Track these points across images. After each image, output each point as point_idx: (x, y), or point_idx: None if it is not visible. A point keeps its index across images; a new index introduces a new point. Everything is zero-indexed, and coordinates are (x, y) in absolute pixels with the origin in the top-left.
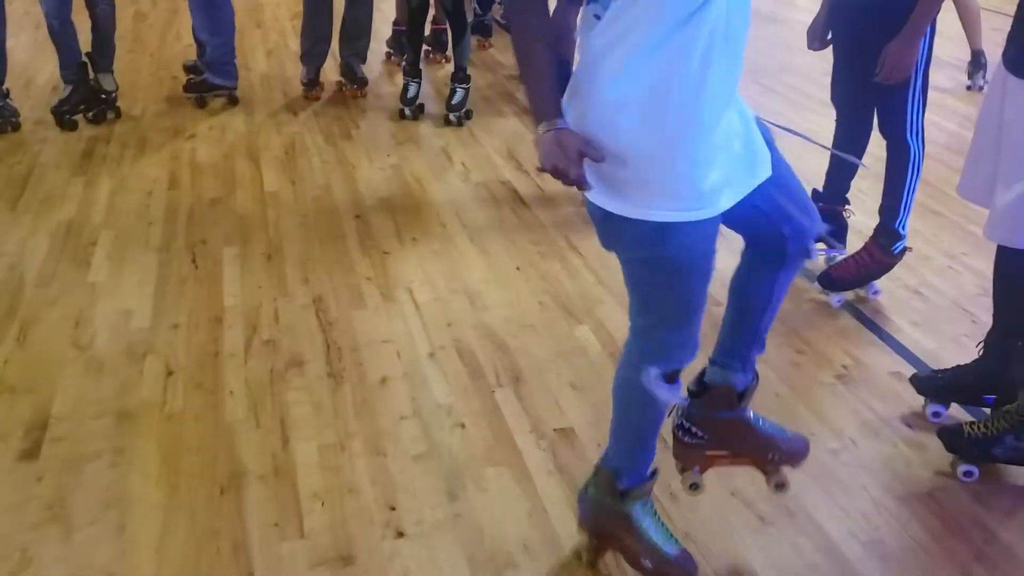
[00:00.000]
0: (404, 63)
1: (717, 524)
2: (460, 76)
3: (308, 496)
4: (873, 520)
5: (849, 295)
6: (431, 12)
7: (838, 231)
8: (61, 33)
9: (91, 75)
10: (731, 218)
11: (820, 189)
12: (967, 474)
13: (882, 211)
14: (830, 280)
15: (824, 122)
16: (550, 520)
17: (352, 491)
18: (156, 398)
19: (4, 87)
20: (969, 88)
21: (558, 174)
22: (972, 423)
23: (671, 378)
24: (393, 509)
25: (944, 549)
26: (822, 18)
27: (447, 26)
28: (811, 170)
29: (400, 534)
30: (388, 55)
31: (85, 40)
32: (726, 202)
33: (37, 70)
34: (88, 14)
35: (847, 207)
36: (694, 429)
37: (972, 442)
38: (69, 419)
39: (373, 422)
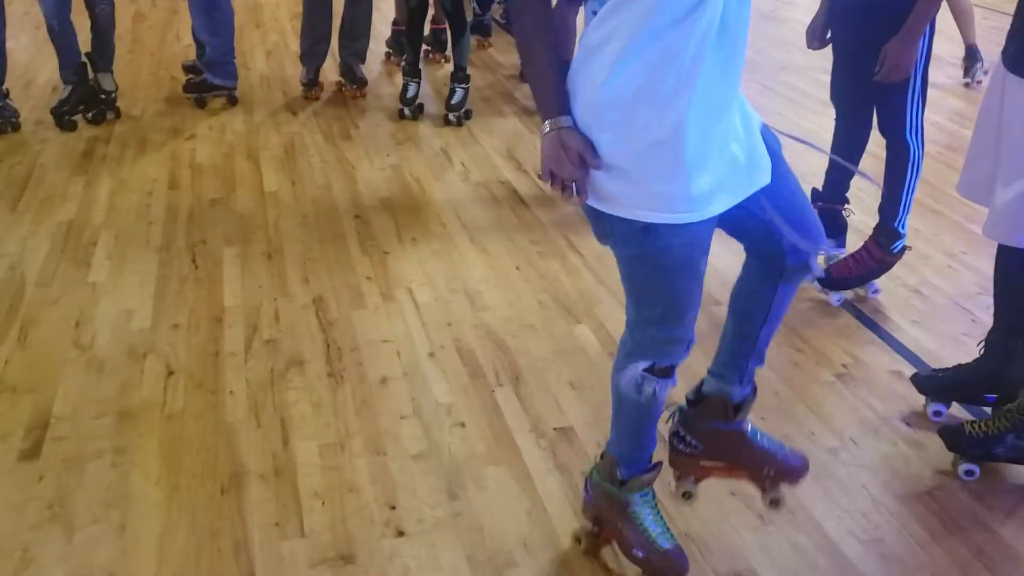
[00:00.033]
0: (403, 63)
1: (717, 523)
2: (459, 76)
3: (308, 495)
4: (873, 519)
5: (849, 294)
6: (430, 12)
7: (838, 230)
8: (61, 33)
9: (91, 75)
10: (729, 224)
11: (820, 188)
12: (968, 473)
13: (882, 210)
14: (830, 279)
15: (824, 121)
16: (550, 519)
17: (352, 490)
18: (157, 398)
19: (4, 87)
20: (967, 84)
21: (555, 180)
22: (973, 422)
23: (665, 373)
24: (393, 508)
25: (944, 548)
26: (821, 17)
27: (446, 26)
28: (811, 169)
29: (400, 533)
30: (387, 55)
31: (85, 40)
32: (718, 207)
33: (37, 70)
34: (88, 14)
35: (847, 206)
36: (688, 438)
37: (973, 441)
38: (70, 419)
39: (373, 422)
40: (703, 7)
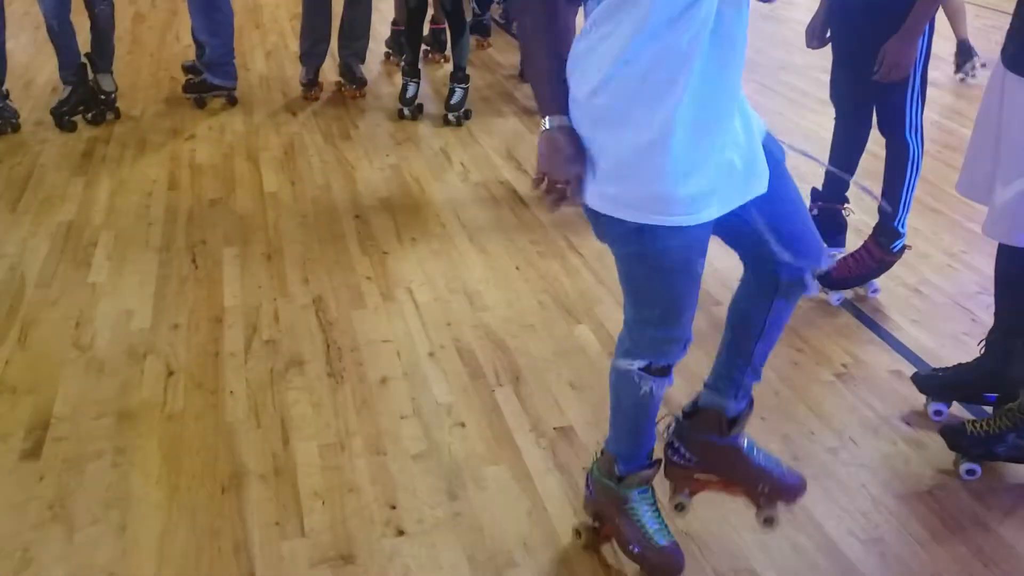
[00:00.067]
0: (403, 63)
1: (717, 522)
2: (459, 76)
3: (308, 495)
4: (873, 518)
5: (848, 293)
6: (430, 12)
7: (837, 229)
8: (60, 34)
9: (90, 76)
10: (724, 232)
11: (819, 188)
12: (970, 472)
13: (881, 209)
14: (829, 279)
15: (823, 120)
16: (550, 518)
17: (352, 490)
18: (157, 398)
19: (4, 88)
20: (963, 80)
21: (544, 180)
22: (974, 421)
23: (662, 372)
24: (393, 508)
25: (944, 547)
26: (821, 16)
27: (446, 26)
28: (811, 169)
29: (400, 533)
30: (387, 55)
31: (84, 41)
32: (711, 212)
33: (37, 71)
34: (87, 15)
35: (846, 206)
36: (683, 450)
37: (974, 440)
38: (70, 419)
39: (373, 421)
40: (697, 6)
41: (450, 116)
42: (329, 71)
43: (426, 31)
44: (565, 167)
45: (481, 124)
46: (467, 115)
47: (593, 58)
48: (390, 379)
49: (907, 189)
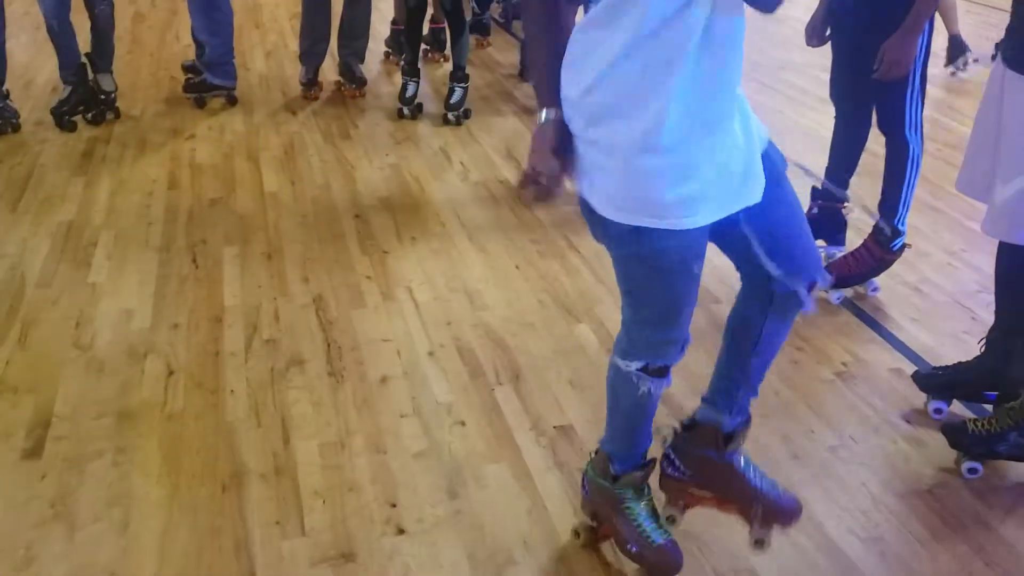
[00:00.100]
0: (402, 62)
1: (716, 522)
2: (458, 75)
3: (309, 494)
4: (873, 517)
5: (848, 292)
6: (429, 11)
7: (837, 228)
8: (60, 34)
9: (90, 76)
10: (720, 240)
11: (819, 187)
12: (971, 471)
13: (881, 207)
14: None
15: (823, 119)
16: (550, 517)
17: (353, 489)
18: (157, 398)
19: (4, 88)
20: (953, 74)
21: (531, 173)
22: (976, 420)
23: (660, 373)
24: (394, 506)
25: (944, 546)
26: (821, 14)
27: (445, 25)
28: (810, 166)
29: (401, 531)
30: (387, 54)
31: (84, 41)
32: (705, 217)
33: (37, 71)
34: (87, 15)
35: (846, 204)
36: (677, 463)
37: (976, 439)
38: (71, 419)
39: (373, 420)
40: (691, 7)
41: (450, 115)
42: (329, 70)
43: (426, 30)
44: (549, 159)
45: (481, 123)
46: (467, 114)
47: (590, 58)
48: (390, 378)
49: (907, 187)
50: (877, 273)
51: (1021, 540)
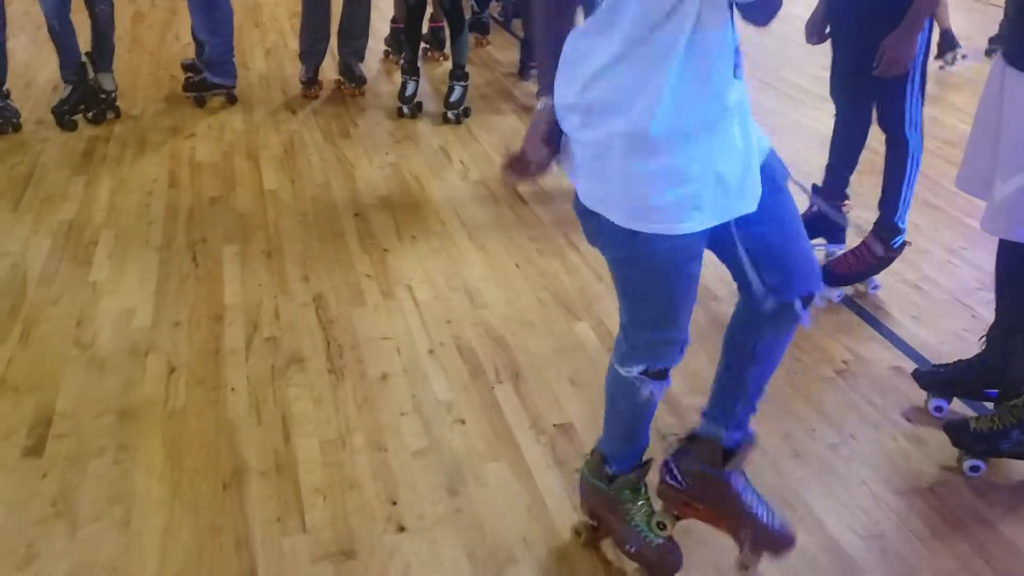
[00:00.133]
0: (402, 61)
1: None
2: (458, 74)
3: (310, 491)
4: (873, 515)
5: (848, 290)
6: (429, 10)
7: (837, 226)
8: (61, 33)
9: (91, 75)
10: (716, 248)
11: (819, 184)
12: (973, 469)
13: (881, 205)
14: (829, 275)
15: (823, 117)
16: (550, 514)
17: (353, 486)
18: (158, 395)
19: (5, 88)
20: (941, 67)
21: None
22: (978, 418)
23: (660, 375)
24: (394, 504)
25: (944, 544)
26: (821, 12)
27: (445, 24)
28: (810, 165)
29: (401, 529)
30: (386, 53)
31: (85, 40)
32: (696, 223)
33: (37, 70)
34: (88, 14)
35: (846, 202)
36: (676, 473)
37: (978, 437)
38: (72, 417)
39: (374, 418)
40: (678, 11)
41: (449, 114)
42: (328, 69)
43: (425, 29)
44: (539, 147)
45: (480, 122)
46: (466, 113)
47: (582, 63)
48: (390, 376)
49: (907, 185)
50: (877, 271)
51: (1022, 538)
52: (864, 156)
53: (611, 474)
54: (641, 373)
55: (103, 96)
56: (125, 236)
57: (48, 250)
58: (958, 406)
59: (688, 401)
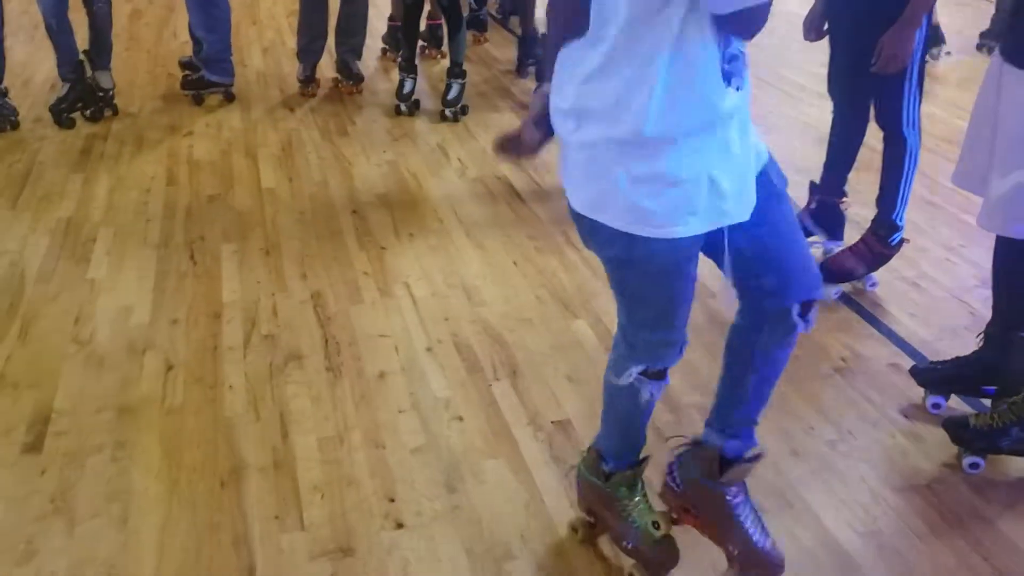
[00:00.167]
0: (400, 59)
1: None
2: (456, 71)
3: (308, 488)
4: (871, 511)
5: (847, 287)
6: (427, 7)
7: (836, 223)
8: (59, 31)
9: (89, 73)
10: (712, 253)
11: (817, 182)
12: (973, 466)
13: (879, 202)
14: (827, 272)
15: (822, 115)
16: (547, 511)
17: (351, 483)
18: (156, 393)
19: (3, 86)
20: (925, 62)
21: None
22: (978, 415)
23: (658, 375)
24: (392, 501)
25: (943, 540)
26: (818, 8)
27: (442, 21)
28: (809, 162)
29: (399, 525)
30: (384, 51)
31: (82, 38)
32: (689, 228)
33: (35, 69)
34: (85, 12)
35: (844, 199)
36: (677, 477)
37: (978, 434)
38: (71, 414)
39: (372, 415)
40: (663, 16)
41: (447, 112)
42: (326, 67)
43: (423, 27)
44: (532, 130)
45: (478, 119)
46: (464, 111)
47: (576, 68)
48: (388, 373)
49: (905, 182)
50: (875, 268)
51: (1019, 535)
52: (862, 153)
53: (608, 471)
54: (640, 374)
55: (101, 94)
56: (123, 234)
57: (46, 248)
58: (956, 403)
59: (686, 399)
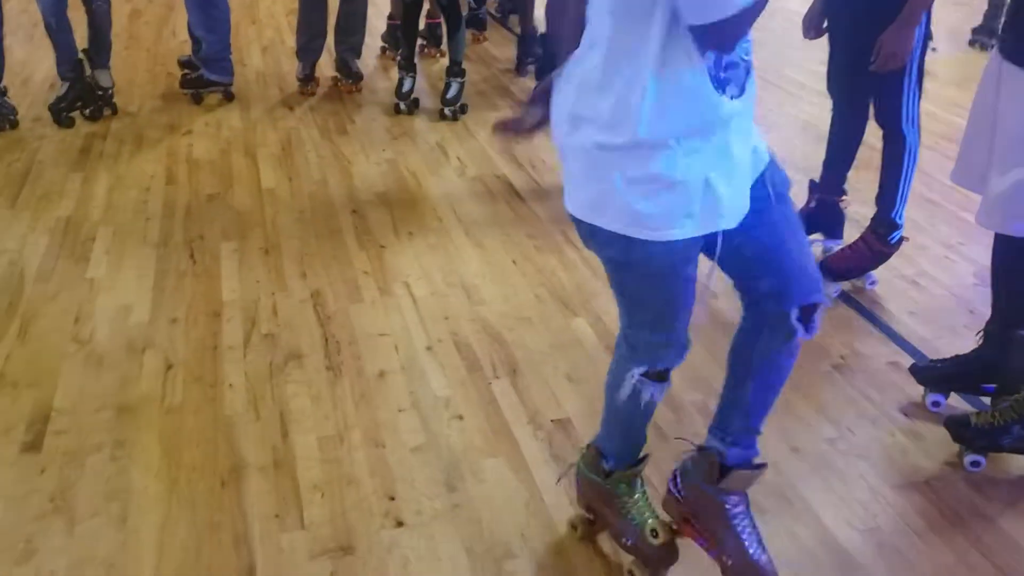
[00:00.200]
0: (399, 58)
1: None
2: (455, 70)
3: (308, 487)
4: (870, 509)
5: (846, 285)
6: (426, 6)
7: (835, 222)
8: (58, 30)
9: (88, 72)
10: (713, 251)
11: (817, 180)
12: (974, 464)
13: (879, 201)
14: (827, 271)
15: (821, 113)
16: (547, 509)
17: (351, 482)
18: (156, 392)
19: (2, 85)
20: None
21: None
22: (979, 413)
23: (660, 377)
24: (392, 500)
25: (942, 538)
26: (818, 6)
27: (442, 20)
28: (808, 160)
29: (399, 524)
30: (383, 50)
31: (81, 37)
32: (684, 231)
33: (34, 68)
34: (84, 11)
35: (844, 198)
36: (679, 483)
37: (979, 432)
38: (70, 413)
39: (372, 414)
40: (647, 24)
41: (446, 110)
42: (325, 66)
43: (422, 25)
44: (528, 104)
45: (477, 118)
46: (463, 109)
47: (574, 74)
48: (388, 372)
49: (904, 180)
50: (875, 266)
51: (1020, 533)
52: (861, 151)
53: (607, 469)
54: (642, 375)
55: (100, 93)
56: (122, 233)
57: (45, 247)
58: (955, 401)
59: (686, 397)
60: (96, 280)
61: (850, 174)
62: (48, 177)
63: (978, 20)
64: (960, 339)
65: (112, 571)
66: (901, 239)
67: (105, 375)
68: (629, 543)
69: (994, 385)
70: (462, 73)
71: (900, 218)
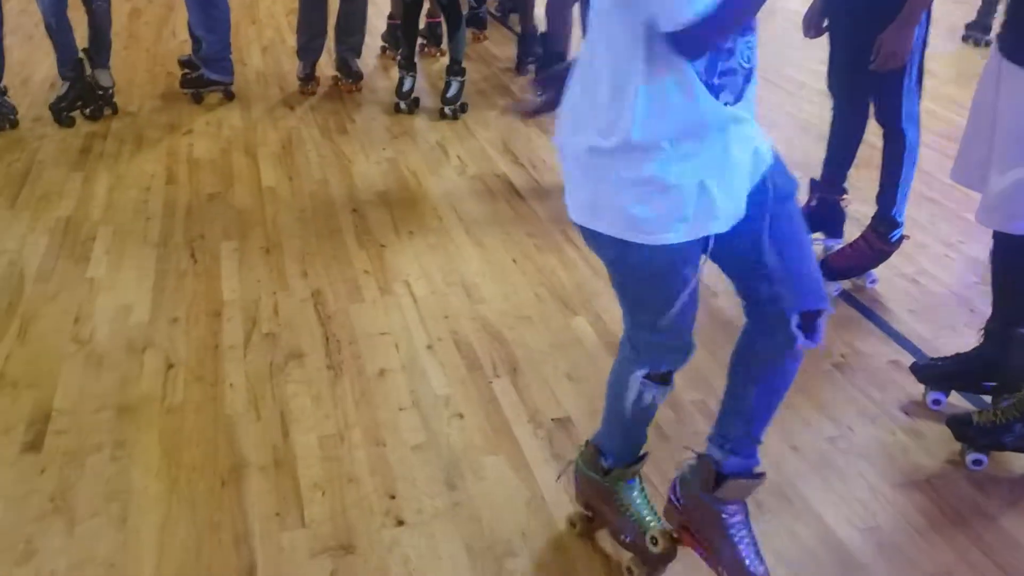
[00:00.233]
0: (399, 57)
1: None
2: (455, 69)
3: (308, 486)
4: (870, 507)
5: (846, 284)
6: (426, 6)
7: (836, 220)
8: (58, 30)
9: (88, 72)
10: (715, 258)
11: (817, 179)
12: (976, 463)
13: (879, 199)
14: (827, 269)
15: (821, 112)
16: (548, 508)
17: (352, 481)
18: (156, 391)
19: (2, 84)
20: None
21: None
22: (981, 412)
23: (663, 379)
24: (393, 498)
25: (942, 536)
26: (818, 5)
27: (442, 19)
28: (808, 159)
29: (400, 523)
30: (383, 49)
31: (82, 37)
32: (680, 235)
33: (34, 67)
34: (84, 11)
35: (845, 196)
36: (679, 491)
37: (981, 431)
38: (70, 413)
39: (372, 413)
40: (632, 34)
41: (446, 110)
42: (325, 65)
43: (422, 25)
44: (545, 92)
45: (477, 117)
46: (463, 108)
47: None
48: (388, 371)
49: (904, 179)
50: (875, 265)
51: (1021, 531)
52: (862, 150)
53: (606, 467)
54: (645, 377)
55: (100, 92)
56: (123, 232)
57: (45, 247)
58: (956, 399)
59: (686, 396)
60: (96, 280)
61: (850, 173)
62: (48, 177)
63: (971, 16)
64: (960, 337)
65: (112, 571)
66: (901, 237)
67: (105, 375)
68: (627, 540)
69: (994, 383)
70: (462, 72)
71: (900, 216)
